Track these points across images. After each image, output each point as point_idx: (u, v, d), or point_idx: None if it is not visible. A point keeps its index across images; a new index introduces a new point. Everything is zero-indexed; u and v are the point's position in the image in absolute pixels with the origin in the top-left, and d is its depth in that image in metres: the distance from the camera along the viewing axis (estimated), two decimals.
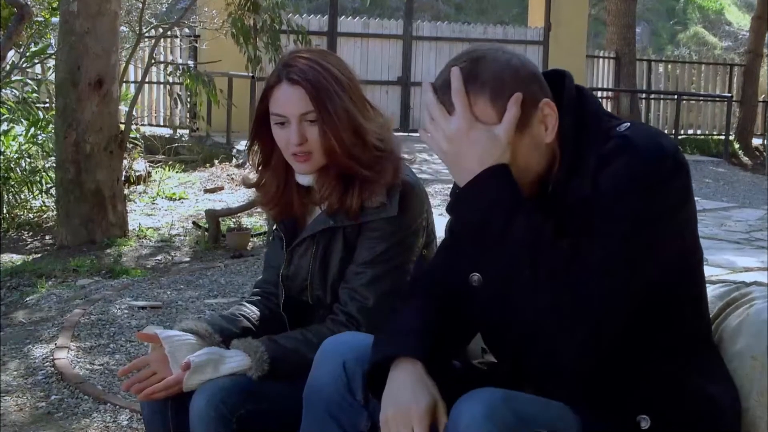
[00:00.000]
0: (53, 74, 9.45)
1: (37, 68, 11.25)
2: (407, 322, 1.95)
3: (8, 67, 8.79)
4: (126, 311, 5.59)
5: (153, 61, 9.43)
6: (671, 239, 1.79)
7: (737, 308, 2.13)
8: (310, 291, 2.40)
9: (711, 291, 2.23)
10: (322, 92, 2.27)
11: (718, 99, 17.89)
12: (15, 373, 4.60)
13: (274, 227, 2.55)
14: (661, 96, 18.09)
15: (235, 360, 2.22)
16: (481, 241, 1.79)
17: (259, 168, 2.45)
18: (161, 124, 14.13)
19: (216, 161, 11.57)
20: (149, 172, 10.77)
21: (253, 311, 2.50)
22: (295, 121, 2.27)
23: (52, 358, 4.74)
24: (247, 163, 2.52)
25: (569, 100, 1.87)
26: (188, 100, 10.98)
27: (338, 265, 2.35)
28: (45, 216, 9.01)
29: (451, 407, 1.77)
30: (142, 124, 13.17)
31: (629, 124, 1.83)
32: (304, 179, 2.39)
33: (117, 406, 4.11)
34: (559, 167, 1.85)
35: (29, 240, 8.37)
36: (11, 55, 9.10)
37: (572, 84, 1.90)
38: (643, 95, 17.80)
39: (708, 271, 7.00)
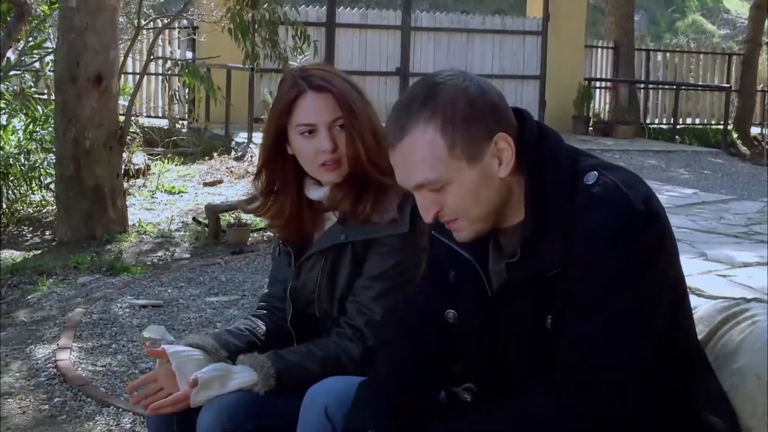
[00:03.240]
0: (52, 69, 9.44)
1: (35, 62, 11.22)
2: (380, 385, 2.04)
3: (4, 62, 8.77)
4: (127, 310, 5.60)
5: (152, 57, 9.41)
6: (659, 287, 1.78)
7: (738, 324, 2.13)
8: (317, 304, 2.42)
9: (711, 305, 2.24)
10: (348, 97, 2.31)
11: (716, 89, 17.88)
12: (17, 374, 4.62)
13: (280, 242, 2.56)
14: (660, 86, 18.09)
15: (242, 376, 2.23)
16: None
17: (264, 193, 2.46)
18: (159, 115, 14.13)
19: (215, 154, 11.57)
20: (148, 165, 10.77)
21: (258, 326, 2.51)
22: (325, 128, 2.30)
23: (54, 359, 4.75)
24: (255, 189, 2.51)
25: (530, 141, 1.84)
26: (186, 96, 10.96)
27: (346, 280, 2.36)
28: (44, 211, 9.02)
29: None
30: (140, 115, 13.16)
31: (596, 173, 1.79)
32: (316, 193, 2.41)
33: (120, 409, 4.13)
34: (525, 221, 1.82)
35: (29, 235, 8.37)
36: (9, 53, 9.09)
37: (533, 123, 1.87)
38: (642, 85, 17.79)
39: (706, 266, 6.98)
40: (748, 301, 2.22)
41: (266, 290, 2.64)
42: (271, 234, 6.90)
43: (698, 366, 1.95)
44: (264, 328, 2.50)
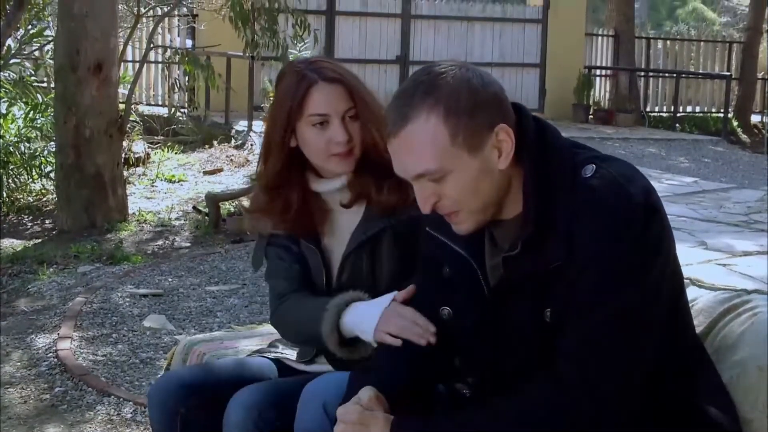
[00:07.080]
0: (52, 57, 9.42)
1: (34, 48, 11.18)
2: (375, 374, 2.01)
3: (4, 50, 8.75)
4: (128, 299, 5.61)
5: (152, 45, 9.39)
6: (661, 280, 1.78)
7: (739, 315, 2.12)
8: (372, 294, 2.31)
9: (712, 297, 2.23)
10: (359, 86, 2.33)
11: (716, 77, 17.83)
12: (18, 363, 4.63)
13: (267, 244, 2.49)
14: (660, 74, 18.05)
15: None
16: None
17: (269, 189, 2.41)
18: (159, 103, 14.10)
19: (215, 142, 11.54)
20: (148, 154, 10.74)
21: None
22: (338, 118, 2.29)
23: (55, 348, 4.76)
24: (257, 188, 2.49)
25: (529, 133, 1.84)
26: (186, 85, 10.93)
27: (390, 263, 2.34)
28: (45, 199, 9.01)
29: None
30: (140, 103, 13.12)
31: (594, 166, 1.78)
32: (323, 186, 2.39)
33: (121, 399, 4.14)
34: (525, 215, 1.81)
35: (29, 224, 8.37)
36: (9, 41, 9.07)
37: (530, 116, 1.87)
38: (642, 73, 17.74)
39: (706, 256, 6.98)
40: (749, 292, 2.21)
41: (280, 290, 2.47)
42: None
43: (697, 359, 1.94)
44: None
